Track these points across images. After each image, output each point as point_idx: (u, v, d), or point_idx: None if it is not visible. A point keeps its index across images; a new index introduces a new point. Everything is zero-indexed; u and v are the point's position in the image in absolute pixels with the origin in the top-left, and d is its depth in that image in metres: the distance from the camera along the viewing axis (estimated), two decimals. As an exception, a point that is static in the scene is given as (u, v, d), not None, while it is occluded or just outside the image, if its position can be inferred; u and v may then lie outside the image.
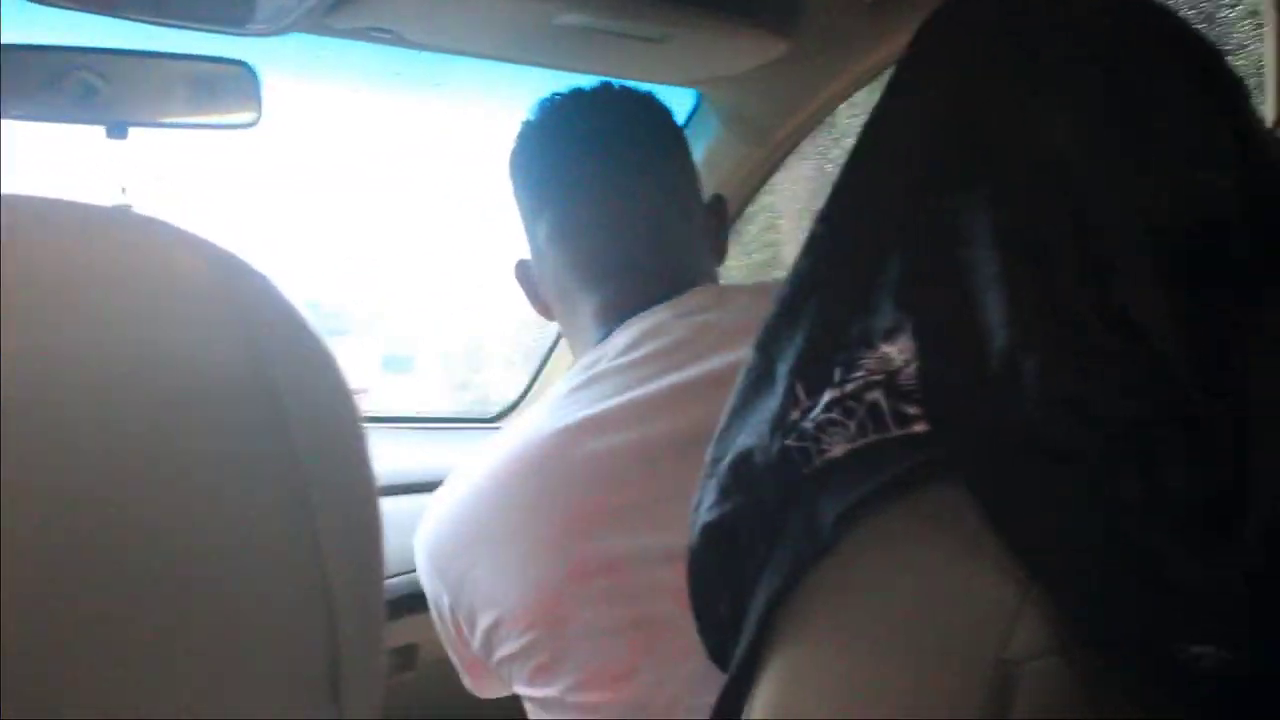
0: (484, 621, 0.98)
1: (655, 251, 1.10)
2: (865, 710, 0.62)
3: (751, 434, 0.71)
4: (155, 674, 0.29)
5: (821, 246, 0.74)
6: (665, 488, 0.94)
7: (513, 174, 1.15)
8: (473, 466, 1.05)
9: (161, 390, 0.29)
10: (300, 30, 1.14)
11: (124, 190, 1.14)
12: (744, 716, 0.68)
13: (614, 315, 1.07)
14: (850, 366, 0.66)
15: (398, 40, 1.19)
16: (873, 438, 0.64)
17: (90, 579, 0.27)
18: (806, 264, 0.74)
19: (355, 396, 0.34)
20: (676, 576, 0.85)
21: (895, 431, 0.63)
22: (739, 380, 0.74)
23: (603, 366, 1.03)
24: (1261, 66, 1.32)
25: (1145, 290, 0.62)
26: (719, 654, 0.74)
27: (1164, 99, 0.68)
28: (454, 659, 1.09)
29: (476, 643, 1.00)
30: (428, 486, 1.65)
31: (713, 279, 1.15)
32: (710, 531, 0.72)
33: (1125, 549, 0.58)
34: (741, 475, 0.70)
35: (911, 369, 0.64)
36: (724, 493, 0.71)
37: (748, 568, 0.70)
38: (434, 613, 1.06)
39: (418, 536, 1.07)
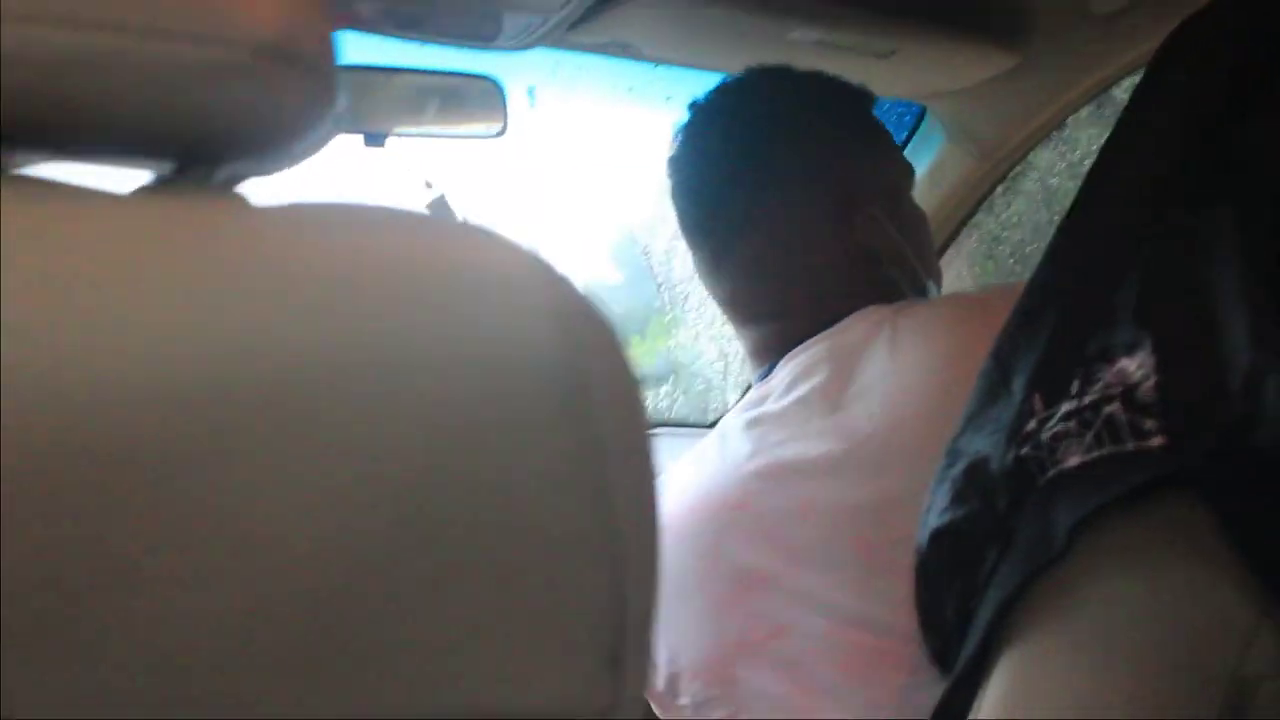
0: (664, 667, 0.96)
1: (799, 288, 1.05)
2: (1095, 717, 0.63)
3: (987, 441, 0.72)
4: (452, 648, 0.32)
5: (1062, 258, 0.75)
6: (826, 552, 0.89)
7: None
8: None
9: (478, 379, 0.33)
10: (545, 45, 1.20)
11: (430, 184, 1.24)
12: (970, 718, 0.69)
13: (771, 354, 1.05)
14: (1088, 379, 0.67)
15: (637, 54, 1.24)
16: (1108, 449, 0.65)
17: (399, 561, 0.31)
18: (1046, 275, 0.75)
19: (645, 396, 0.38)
20: (845, 643, 0.85)
21: (1131, 445, 0.64)
22: (976, 386, 0.75)
23: (769, 408, 0.98)
24: None
25: None
26: (942, 657, 0.75)
27: None
28: None
29: (660, 682, 0.97)
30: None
31: (880, 292, 1.04)
32: (940, 536, 0.73)
33: None
34: (976, 481, 0.72)
35: (1150, 383, 0.64)
36: (957, 498, 0.73)
37: (977, 573, 0.71)
38: None
39: None
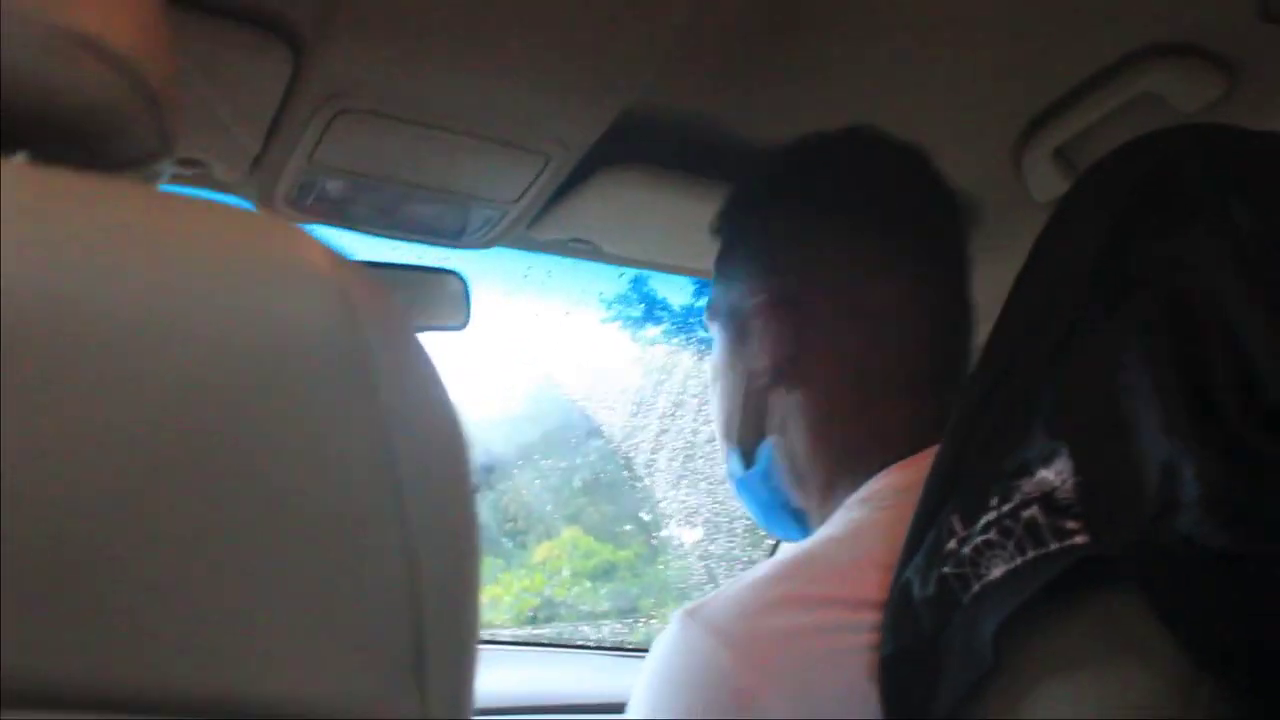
0: None
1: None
2: None
3: (913, 569, 0.72)
4: (232, 641, 0.31)
5: (982, 385, 0.76)
6: None
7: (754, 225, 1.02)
8: None
9: (262, 345, 0.33)
10: (505, 244, 1.25)
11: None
12: None
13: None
14: (1006, 495, 0.68)
15: (595, 253, 1.29)
16: (1031, 554, 0.65)
17: (162, 516, 0.30)
18: (969, 400, 0.76)
19: (450, 393, 0.38)
20: None
21: (1054, 545, 0.64)
22: (909, 528, 0.75)
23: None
24: None
25: None
26: None
27: None
28: None
29: None
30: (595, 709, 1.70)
31: None
32: (881, 671, 0.72)
33: None
34: (901, 610, 0.71)
35: (1069, 485, 0.65)
36: (888, 631, 0.72)
37: (914, 703, 0.70)
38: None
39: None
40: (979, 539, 0.67)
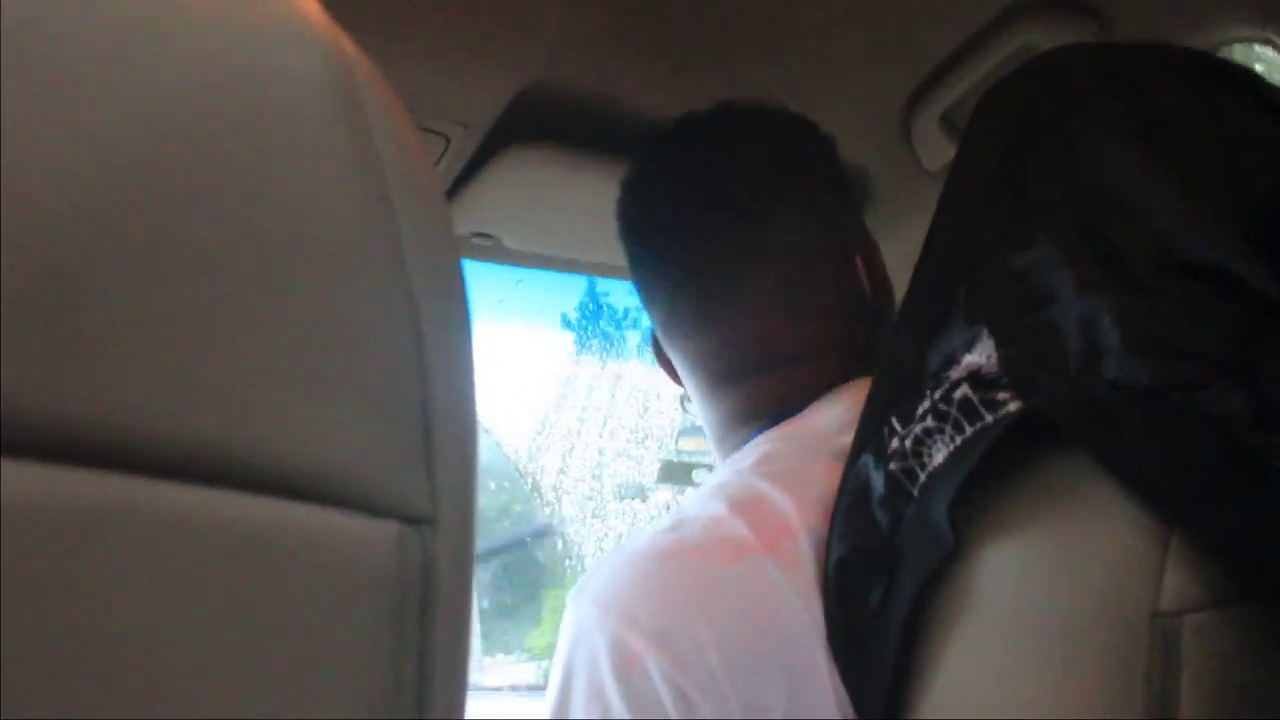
0: None
1: (820, 323, 0.94)
2: (1031, 694, 0.61)
3: (857, 476, 0.72)
4: (228, 382, 0.27)
5: (905, 314, 0.77)
6: None
7: (624, 238, 1.02)
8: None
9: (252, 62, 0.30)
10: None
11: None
12: None
13: (762, 415, 0.93)
14: (938, 384, 0.68)
15: (496, 251, 1.28)
16: (969, 433, 0.65)
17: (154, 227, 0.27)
18: (898, 330, 0.77)
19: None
20: None
21: (989, 417, 0.64)
22: (856, 429, 0.76)
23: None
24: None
25: (1211, 229, 0.64)
26: (858, 701, 0.72)
27: (1208, 121, 0.71)
28: None
29: None
30: None
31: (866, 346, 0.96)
32: (833, 573, 0.72)
33: (1242, 463, 0.57)
34: (854, 514, 0.71)
35: (993, 360, 0.66)
36: (840, 537, 0.72)
37: (868, 602, 0.69)
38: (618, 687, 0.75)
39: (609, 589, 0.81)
40: (917, 428, 0.67)
